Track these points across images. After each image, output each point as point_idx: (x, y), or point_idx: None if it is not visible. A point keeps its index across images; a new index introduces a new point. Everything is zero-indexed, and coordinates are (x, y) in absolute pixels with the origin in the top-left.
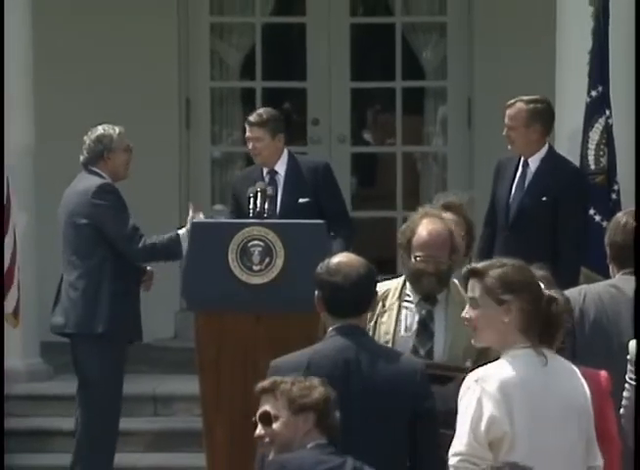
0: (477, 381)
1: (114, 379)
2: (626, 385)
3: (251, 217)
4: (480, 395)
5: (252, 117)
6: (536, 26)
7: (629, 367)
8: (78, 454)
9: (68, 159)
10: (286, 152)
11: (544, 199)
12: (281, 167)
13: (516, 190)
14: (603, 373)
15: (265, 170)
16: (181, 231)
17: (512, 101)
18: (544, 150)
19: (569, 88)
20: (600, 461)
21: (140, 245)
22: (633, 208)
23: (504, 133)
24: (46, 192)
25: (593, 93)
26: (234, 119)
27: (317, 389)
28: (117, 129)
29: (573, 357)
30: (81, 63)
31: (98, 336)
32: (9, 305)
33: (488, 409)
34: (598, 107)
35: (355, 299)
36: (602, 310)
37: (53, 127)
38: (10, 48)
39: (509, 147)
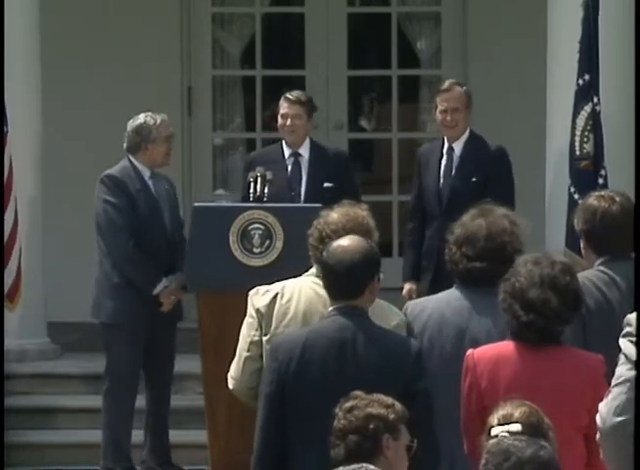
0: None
1: None
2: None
3: (252, 201)
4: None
5: (292, 95)
6: (529, 17)
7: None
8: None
9: (73, 141)
10: (308, 136)
11: (474, 180)
12: (305, 151)
13: (444, 176)
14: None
15: (288, 152)
16: (158, 288)
17: (446, 85)
18: (467, 133)
19: (560, 77)
20: None
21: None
22: (603, 191)
23: (448, 118)
24: (53, 167)
25: (580, 81)
26: (235, 107)
27: None
28: (159, 119)
29: (585, 344)
30: (85, 51)
31: None
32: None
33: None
34: (585, 94)
35: (347, 283)
36: (602, 297)
37: (56, 109)
38: (16, 32)
39: (444, 133)
